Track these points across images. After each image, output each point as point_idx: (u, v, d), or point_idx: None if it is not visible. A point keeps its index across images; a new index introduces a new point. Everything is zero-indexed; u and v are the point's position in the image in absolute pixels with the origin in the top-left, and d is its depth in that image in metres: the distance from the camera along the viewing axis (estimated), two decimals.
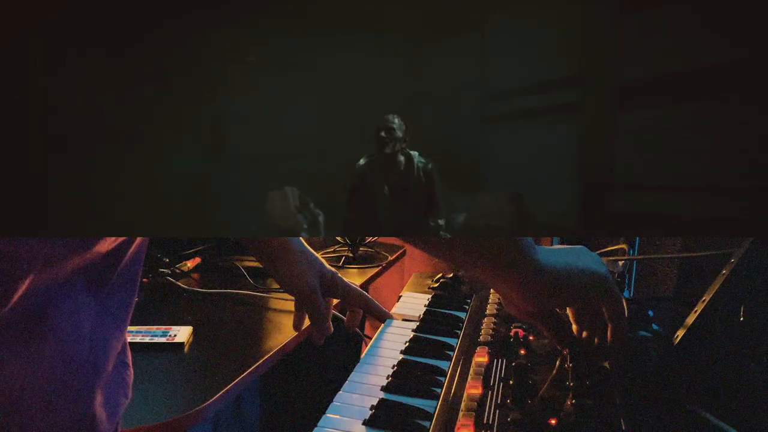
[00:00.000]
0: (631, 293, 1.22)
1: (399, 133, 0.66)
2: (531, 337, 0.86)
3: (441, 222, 0.66)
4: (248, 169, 0.85)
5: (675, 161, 0.57)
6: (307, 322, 0.99)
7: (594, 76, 0.63)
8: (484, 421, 0.66)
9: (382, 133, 0.67)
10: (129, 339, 0.63)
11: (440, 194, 0.67)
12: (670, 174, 0.58)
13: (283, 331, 1.07)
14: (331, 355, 1.51)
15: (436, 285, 1.14)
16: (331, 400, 0.73)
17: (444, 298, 1.08)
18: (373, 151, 0.67)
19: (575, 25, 0.65)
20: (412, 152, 0.67)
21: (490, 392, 0.72)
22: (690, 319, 0.81)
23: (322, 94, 0.85)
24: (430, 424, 0.67)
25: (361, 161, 0.68)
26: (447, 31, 0.79)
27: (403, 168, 0.65)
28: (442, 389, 0.75)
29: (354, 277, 1.39)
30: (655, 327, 0.85)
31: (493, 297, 1.05)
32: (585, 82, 0.64)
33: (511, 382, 0.73)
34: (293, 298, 0.97)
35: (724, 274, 0.80)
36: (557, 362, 0.77)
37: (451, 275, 1.16)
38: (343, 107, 0.84)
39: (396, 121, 0.67)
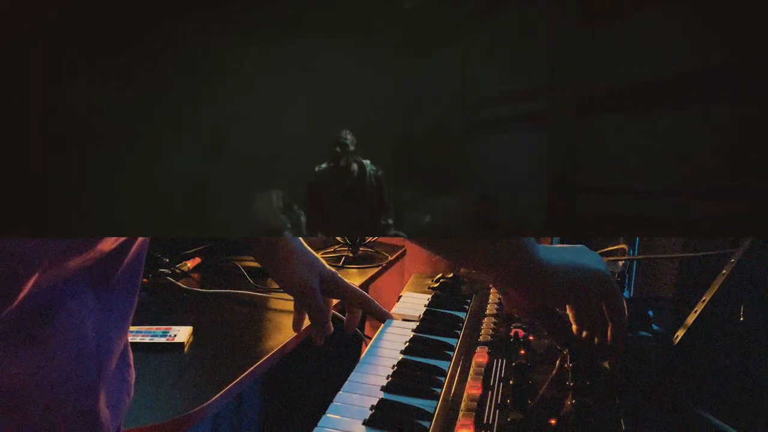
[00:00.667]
0: (631, 293, 1.22)
1: (351, 147, 0.71)
2: (531, 337, 0.86)
3: (390, 221, 0.69)
4: (248, 169, 0.86)
5: (641, 166, 0.59)
6: (307, 323, 0.99)
7: (562, 87, 0.65)
8: (484, 421, 0.66)
9: (337, 149, 0.71)
10: (129, 339, 0.63)
11: (389, 197, 0.70)
12: (637, 178, 0.59)
13: (283, 331, 1.07)
14: (331, 355, 1.51)
15: (436, 285, 1.14)
16: (331, 400, 0.73)
17: (444, 298, 1.08)
18: (343, 157, 0.71)
19: (544, 38, 0.67)
20: (364, 160, 0.71)
21: (490, 392, 0.72)
22: (690, 319, 0.81)
23: (321, 96, 0.85)
24: (430, 424, 0.67)
25: (322, 166, 0.72)
26: (436, 43, 0.80)
27: (357, 174, 0.69)
28: (442, 389, 0.75)
29: (354, 277, 1.39)
30: (655, 327, 0.85)
31: (493, 297, 1.05)
32: (554, 91, 0.66)
33: (511, 382, 0.73)
34: (293, 298, 0.97)
35: (724, 274, 0.80)
36: (557, 362, 0.77)
37: (451, 275, 1.16)
38: (342, 109, 0.84)
39: (348, 136, 0.72)
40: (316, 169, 0.73)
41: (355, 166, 0.68)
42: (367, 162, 0.72)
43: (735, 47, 0.49)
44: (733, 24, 0.49)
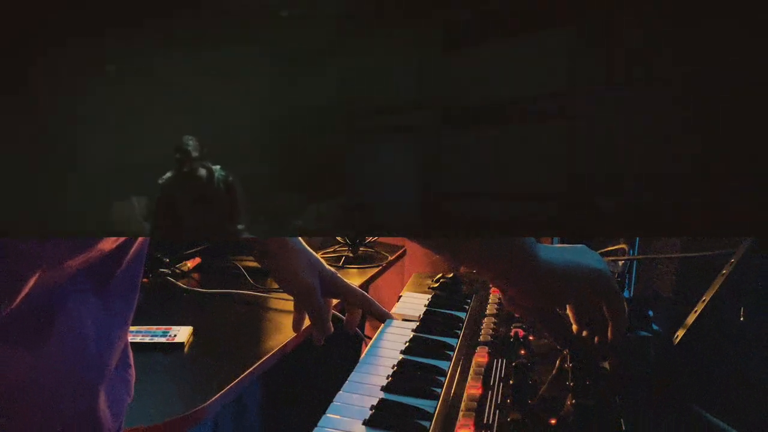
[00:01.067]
0: (631, 293, 1.22)
1: (195, 153, 0.71)
2: (531, 337, 0.86)
3: (241, 226, 0.70)
4: (116, 176, 0.85)
5: (497, 173, 0.69)
6: (307, 323, 0.99)
7: (431, 101, 0.73)
8: (484, 421, 0.66)
9: (178, 155, 0.71)
10: (129, 339, 0.63)
11: (242, 202, 0.72)
12: (494, 183, 0.68)
13: (283, 331, 1.07)
14: (331, 355, 1.51)
15: (436, 285, 1.14)
16: (331, 400, 0.73)
17: (444, 298, 1.08)
18: (186, 163, 0.72)
19: (411, 58, 0.76)
20: (213, 166, 0.72)
21: (490, 392, 0.72)
22: (690, 319, 0.81)
23: (201, 107, 0.86)
24: (430, 424, 0.67)
25: (167, 175, 0.72)
26: (316, 53, 0.83)
27: (205, 180, 0.69)
28: (442, 389, 0.75)
29: (354, 277, 1.39)
30: (655, 327, 0.85)
31: (493, 297, 1.05)
32: (423, 106, 0.74)
33: (511, 382, 0.73)
34: (293, 298, 0.98)
35: (724, 274, 0.80)
36: (557, 362, 0.77)
37: (451, 275, 1.16)
38: (222, 120, 0.85)
39: (191, 143, 0.72)
40: (161, 179, 0.73)
41: (202, 172, 0.68)
42: (216, 168, 0.72)
43: (568, 76, 0.62)
44: (564, 56, 0.62)
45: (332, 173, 0.83)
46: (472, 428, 0.65)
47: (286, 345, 1.02)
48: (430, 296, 1.09)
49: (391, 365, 0.81)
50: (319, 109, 0.83)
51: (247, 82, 0.84)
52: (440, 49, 0.72)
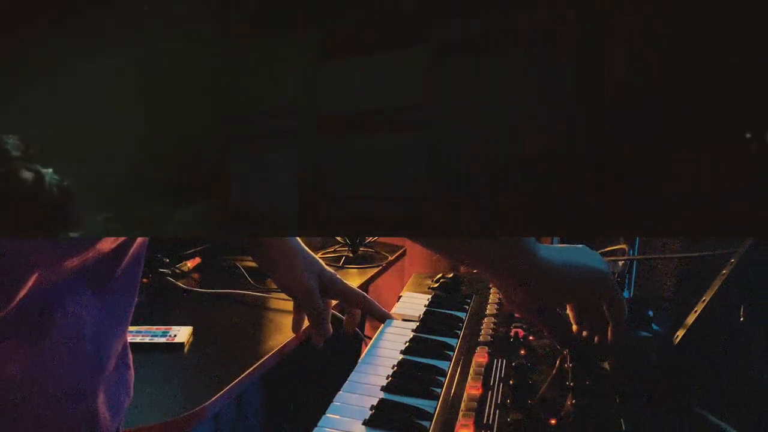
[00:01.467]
0: (631, 293, 1.22)
1: (15, 153, 0.67)
2: (531, 337, 0.86)
3: (74, 234, 0.67)
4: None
5: (369, 177, 0.73)
6: (306, 324, 0.99)
7: (307, 108, 0.78)
8: (484, 421, 0.66)
9: None
10: (129, 339, 0.63)
11: (77, 210, 0.69)
12: (366, 187, 0.73)
13: (282, 332, 1.07)
14: (331, 355, 1.51)
15: (436, 285, 1.14)
16: (331, 400, 0.73)
17: (444, 298, 1.08)
18: (5, 163, 0.67)
19: (288, 64, 0.80)
20: (44, 170, 0.68)
21: (490, 392, 0.72)
22: (690, 319, 0.81)
23: (47, 107, 0.83)
24: (430, 424, 0.67)
25: None
26: (183, 58, 0.83)
27: (31, 184, 0.66)
28: (442, 389, 0.75)
29: (354, 277, 1.39)
30: (655, 327, 0.85)
31: (493, 297, 1.05)
32: (300, 111, 0.79)
33: (511, 382, 0.73)
34: (292, 299, 0.97)
35: (724, 274, 0.80)
36: (557, 362, 0.77)
37: (451, 275, 1.16)
38: (71, 121, 0.83)
39: (10, 140, 0.68)
40: None
41: (27, 175, 0.65)
42: (48, 171, 0.68)
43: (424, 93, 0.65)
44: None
45: (205, 176, 0.83)
46: (472, 428, 0.65)
47: (285, 345, 1.02)
48: (430, 296, 1.09)
49: (391, 365, 0.81)
50: (191, 112, 0.82)
51: (108, 80, 0.82)
52: (317, 57, 0.77)
